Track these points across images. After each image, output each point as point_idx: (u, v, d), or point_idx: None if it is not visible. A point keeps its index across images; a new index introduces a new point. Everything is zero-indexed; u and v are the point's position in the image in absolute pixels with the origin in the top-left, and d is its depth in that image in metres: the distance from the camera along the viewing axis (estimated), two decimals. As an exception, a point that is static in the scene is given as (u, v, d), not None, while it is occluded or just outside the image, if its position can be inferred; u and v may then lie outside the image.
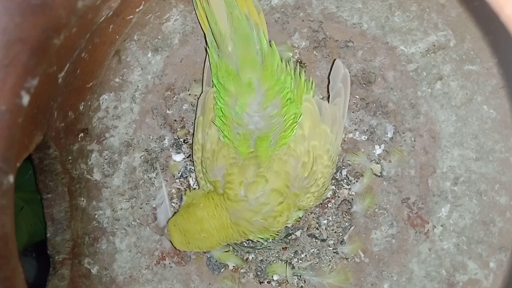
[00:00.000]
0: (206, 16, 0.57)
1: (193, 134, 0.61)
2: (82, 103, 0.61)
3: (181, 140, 0.64)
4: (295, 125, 0.55)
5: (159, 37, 0.63)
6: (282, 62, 0.56)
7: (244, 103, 0.53)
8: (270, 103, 0.53)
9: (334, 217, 0.64)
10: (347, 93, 0.58)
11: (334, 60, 0.60)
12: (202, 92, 0.60)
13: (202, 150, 0.58)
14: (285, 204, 0.55)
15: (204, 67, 0.61)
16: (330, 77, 0.60)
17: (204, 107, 0.58)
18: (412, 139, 0.62)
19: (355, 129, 0.63)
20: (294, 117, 0.55)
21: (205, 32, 0.59)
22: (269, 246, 0.63)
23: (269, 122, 0.54)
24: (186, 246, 0.58)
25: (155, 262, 0.64)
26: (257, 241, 0.63)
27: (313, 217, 0.64)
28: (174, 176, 0.64)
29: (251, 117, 0.53)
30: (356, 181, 0.63)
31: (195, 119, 0.61)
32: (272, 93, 0.54)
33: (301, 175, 0.54)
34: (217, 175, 0.56)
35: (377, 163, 0.63)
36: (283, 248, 0.64)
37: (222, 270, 0.64)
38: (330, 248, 0.63)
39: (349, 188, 0.63)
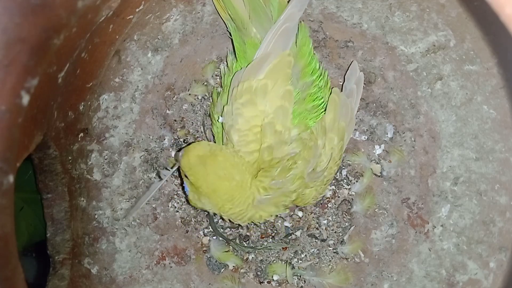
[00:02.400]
0: (224, 4, 0.57)
1: (226, 95, 0.54)
2: (82, 103, 0.61)
3: (181, 140, 0.64)
4: (322, 112, 0.55)
5: (159, 37, 0.63)
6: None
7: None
8: (306, 81, 0.54)
9: (334, 217, 0.63)
10: (358, 95, 0.59)
11: (352, 61, 0.61)
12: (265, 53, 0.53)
13: (268, 116, 0.51)
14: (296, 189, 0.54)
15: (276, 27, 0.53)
16: (345, 77, 0.60)
17: (272, 69, 0.51)
18: (412, 139, 0.62)
19: (355, 129, 0.63)
20: (322, 104, 0.55)
21: (225, 21, 0.59)
22: (269, 246, 0.63)
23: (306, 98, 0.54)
24: (201, 174, 0.50)
25: (155, 262, 0.64)
26: (257, 241, 0.63)
27: (313, 217, 0.64)
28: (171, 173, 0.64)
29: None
30: (356, 181, 0.63)
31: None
32: (308, 71, 0.54)
33: (317, 168, 0.54)
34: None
35: (377, 163, 0.63)
36: (283, 248, 0.63)
37: (222, 270, 0.64)
38: (330, 248, 0.63)
39: (349, 188, 0.63)
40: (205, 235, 0.64)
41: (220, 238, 0.64)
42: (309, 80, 0.55)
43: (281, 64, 0.51)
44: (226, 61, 0.60)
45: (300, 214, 0.64)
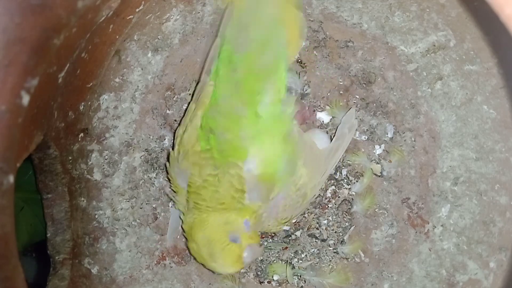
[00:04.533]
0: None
1: (182, 118, 0.59)
2: (82, 103, 0.61)
3: (181, 140, 0.64)
4: (242, 143, 0.52)
5: (159, 37, 0.63)
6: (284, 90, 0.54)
7: (220, 88, 0.53)
8: (237, 106, 0.52)
9: (334, 217, 0.63)
10: (348, 140, 0.59)
11: (350, 108, 0.61)
12: (200, 81, 0.58)
13: (180, 138, 0.56)
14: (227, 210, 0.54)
15: (207, 55, 0.58)
16: (342, 119, 0.61)
17: (198, 96, 0.56)
18: (412, 139, 0.62)
19: (355, 129, 0.63)
20: (247, 136, 0.52)
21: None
22: (269, 246, 0.63)
23: (227, 119, 0.52)
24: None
25: (155, 262, 0.64)
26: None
27: (313, 217, 0.64)
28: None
29: (217, 108, 0.53)
30: (356, 181, 0.63)
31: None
32: (241, 99, 0.52)
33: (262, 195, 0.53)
34: (178, 178, 0.55)
35: (377, 163, 0.63)
36: (283, 248, 0.63)
37: (222, 270, 0.64)
38: (330, 248, 0.63)
39: (349, 188, 0.63)
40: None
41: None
42: (244, 108, 0.52)
43: (203, 93, 0.55)
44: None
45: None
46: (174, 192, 0.58)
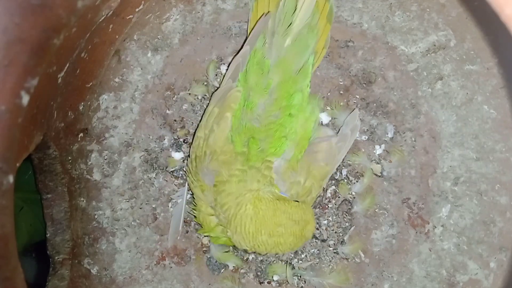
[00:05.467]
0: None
1: (199, 122, 0.60)
2: (82, 103, 0.61)
3: (181, 140, 0.64)
4: (283, 142, 0.55)
5: (159, 37, 0.63)
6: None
7: (254, 96, 0.56)
8: (274, 113, 0.55)
9: (334, 217, 0.63)
10: (351, 141, 0.59)
11: (354, 109, 0.61)
12: (221, 85, 0.59)
13: (204, 140, 0.57)
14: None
15: (232, 60, 0.60)
16: (344, 121, 0.61)
17: (223, 101, 0.57)
18: (413, 139, 0.62)
19: (358, 131, 0.63)
20: (284, 135, 0.56)
21: (251, 25, 0.59)
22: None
23: (267, 127, 0.55)
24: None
25: (155, 263, 0.64)
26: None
27: (313, 217, 0.64)
28: (170, 173, 0.64)
29: (254, 115, 0.56)
30: (357, 181, 0.63)
31: (203, 112, 0.61)
32: (278, 105, 0.56)
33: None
34: (205, 178, 0.56)
35: (378, 163, 0.63)
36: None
37: (222, 271, 0.64)
38: (330, 249, 0.63)
39: (350, 188, 0.63)
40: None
41: (220, 238, 0.64)
42: (278, 112, 0.56)
43: (230, 98, 0.56)
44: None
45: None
46: (201, 191, 0.58)
